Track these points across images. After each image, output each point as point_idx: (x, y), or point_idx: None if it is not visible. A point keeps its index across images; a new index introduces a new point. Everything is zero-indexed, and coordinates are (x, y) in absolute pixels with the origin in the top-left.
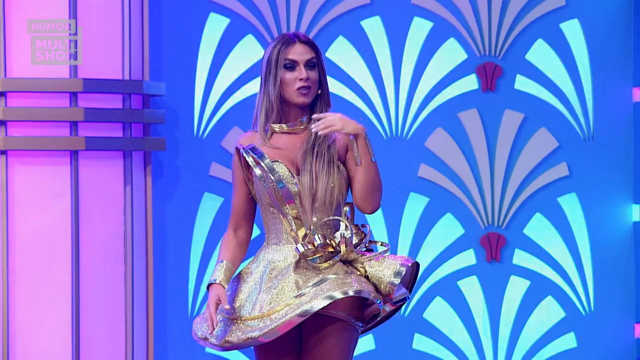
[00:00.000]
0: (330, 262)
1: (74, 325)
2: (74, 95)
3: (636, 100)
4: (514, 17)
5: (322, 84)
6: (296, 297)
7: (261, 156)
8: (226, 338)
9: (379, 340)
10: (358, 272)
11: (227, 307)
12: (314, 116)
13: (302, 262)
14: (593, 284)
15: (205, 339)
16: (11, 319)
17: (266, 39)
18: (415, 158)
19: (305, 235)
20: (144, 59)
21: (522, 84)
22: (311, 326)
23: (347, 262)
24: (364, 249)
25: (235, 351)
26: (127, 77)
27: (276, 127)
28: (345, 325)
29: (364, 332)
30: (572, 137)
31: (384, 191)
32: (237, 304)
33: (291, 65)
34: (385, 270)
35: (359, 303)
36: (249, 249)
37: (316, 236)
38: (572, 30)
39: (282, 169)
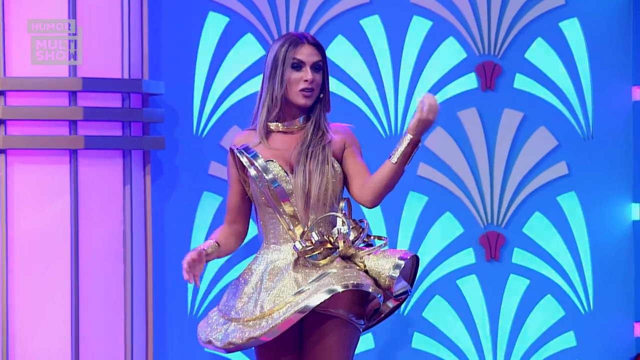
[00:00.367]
0: (329, 258)
1: (73, 324)
2: (73, 94)
3: (635, 99)
4: (513, 16)
5: (324, 87)
6: (296, 294)
7: (255, 156)
8: (229, 340)
9: (379, 339)
10: (357, 267)
11: (195, 256)
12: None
13: (302, 260)
14: (592, 282)
15: (209, 342)
16: (10, 318)
17: (266, 38)
18: (414, 157)
19: (302, 233)
20: (143, 58)
21: (522, 83)
22: (312, 324)
23: (346, 258)
24: (363, 244)
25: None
26: (126, 76)
27: (272, 125)
28: (346, 324)
29: (366, 329)
30: (571, 136)
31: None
32: (239, 306)
33: (298, 66)
34: (384, 263)
35: (359, 299)
36: (248, 248)
37: (313, 233)
38: (572, 29)
39: (276, 168)
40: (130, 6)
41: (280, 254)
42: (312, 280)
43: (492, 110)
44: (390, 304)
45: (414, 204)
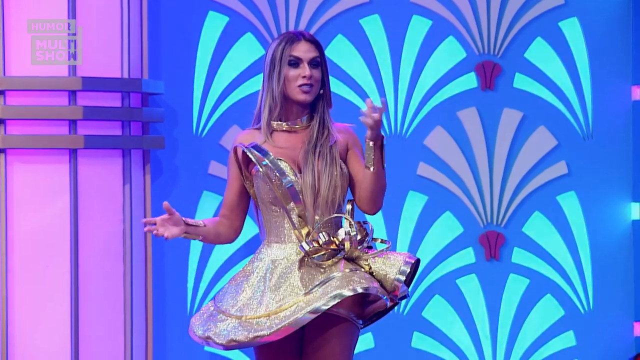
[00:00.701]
0: (334, 259)
1: (72, 324)
2: (72, 94)
3: (635, 98)
4: (513, 15)
5: (324, 83)
6: (305, 294)
7: (265, 153)
8: (231, 337)
9: (378, 338)
10: (362, 269)
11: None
12: (375, 103)
13: (306, 260)
14: (592, 282)
15: (208, 337)
16: (10, 318)
17: (265, 38)
18: (414, 156)
19: (308, 233)
20: (143, 58)
21: (521, 82)
22: (315, 326)
23: (351, 260)
24: (366, 247)
25: (235, 350)
26: (126, 76)
27: (275, 124)
28: (348, 324)
29: (363, 328)
30: (571, 136)
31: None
32: (240, 303)
33: (295, 63)
34: (390, 267)
35: (360, 300)
36: (248, 248)
37: (320, 234)
38: (571, 28)
39: (285, 167)
40: (130, 6)
41: (283, 252)
42: (320, 282)
43: (491, 110)
44: (388, 303)
45: (414, 204)
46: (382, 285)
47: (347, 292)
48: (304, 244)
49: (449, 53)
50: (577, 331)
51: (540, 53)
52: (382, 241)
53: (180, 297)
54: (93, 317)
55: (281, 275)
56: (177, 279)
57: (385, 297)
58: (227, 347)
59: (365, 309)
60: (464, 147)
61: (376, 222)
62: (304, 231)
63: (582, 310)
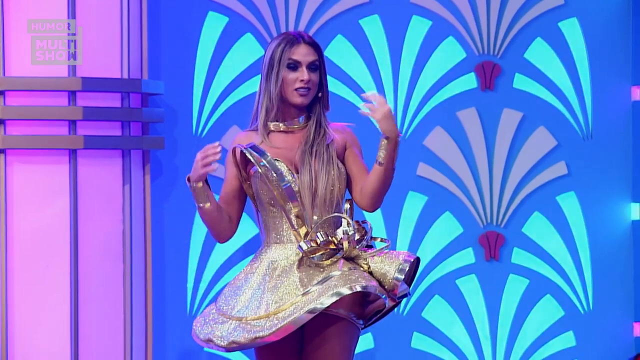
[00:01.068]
0: (333, 259)
1: (72, 324)
2: (72, 94)
3: (635, 98)
4: (512, 15)
5: (322, 86)
6: (303, 294)
7: (263, 154)
8: (232, 339)
9: (378, 339)
10: (361, 268)
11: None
12: (363, 95)
13: (305, 260)
14: (592, 282)
15: (209, 340)
16: (9, 318)
17: (265, 38)
18: (414, 157)
19: (306, 233)
20: (143, 58)
21: (521, 82)
22: (314, 325)
23: (350, 259)
24: (365, 246)
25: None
26: (125, 76)
27: (272, 125)
28: (348, 324)
29: (363, 328)
30: (570, 136)
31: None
32: (240, 305)
33: (294, 66)
34: (389, 266)
35: (360, 299)
36: (248, 248)
37: (318, 233)
38: (571, 29)
39: (282, 167)
40: (130, 6)
41: (282, 253)
42: (318, 282)
43: (491, 110)
44: (388, 302)
45: (414, 204)
46: (381, 284)
47: (346, 291)
48: (302, 243)
49: (448, 53)
50: (576, 331)
51: (540, 53)
52: (382, 240)
53: (180, 297)
54: (93, 317)
55: (280, 275)
56: (177, 279)
57: (384, 296)
58: (228, 350)
59: (365, 309)
60: (464, 148)
61: (376, 223)
62: (303, 231)
63: (581, 311)
